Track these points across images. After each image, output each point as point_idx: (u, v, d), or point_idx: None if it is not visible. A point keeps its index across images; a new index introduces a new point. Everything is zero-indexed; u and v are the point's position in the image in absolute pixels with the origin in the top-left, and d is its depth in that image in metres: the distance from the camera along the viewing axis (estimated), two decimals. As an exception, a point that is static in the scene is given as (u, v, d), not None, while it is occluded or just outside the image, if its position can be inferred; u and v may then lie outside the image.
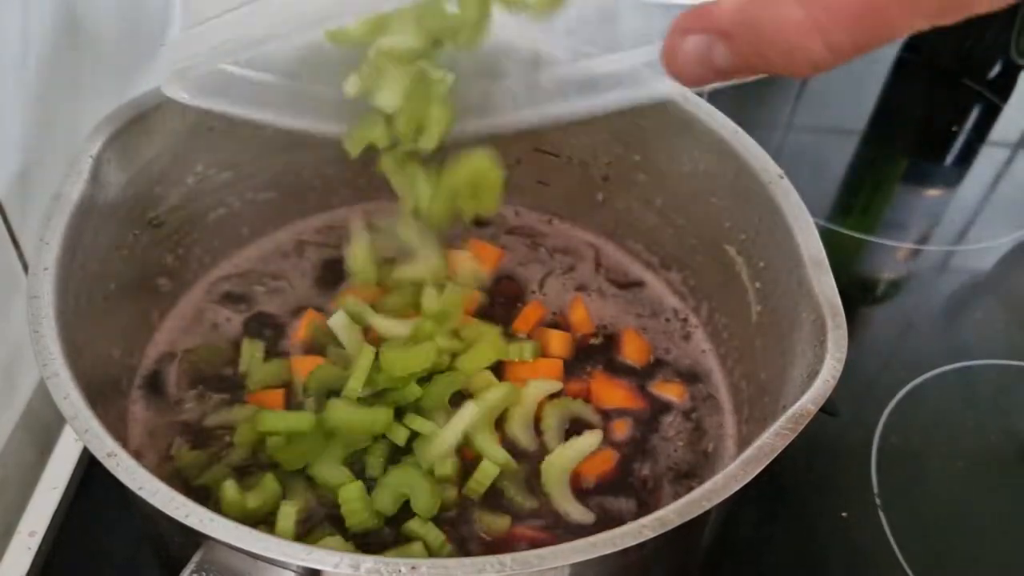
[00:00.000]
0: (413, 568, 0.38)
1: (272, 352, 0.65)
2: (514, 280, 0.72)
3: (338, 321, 0.63)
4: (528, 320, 0.68)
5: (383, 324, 0.63)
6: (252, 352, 0.64)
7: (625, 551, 0.40)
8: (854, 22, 0.26)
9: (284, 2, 0.43)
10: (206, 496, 0.56)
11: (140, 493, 0.41)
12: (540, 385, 0.63)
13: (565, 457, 0.58)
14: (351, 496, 0.54)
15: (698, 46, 0.29)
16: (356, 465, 0.58)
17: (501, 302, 0.70)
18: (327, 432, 0.58)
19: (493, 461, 0.57)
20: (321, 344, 0.65)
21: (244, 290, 0.69)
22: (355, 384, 0.58)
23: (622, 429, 0.62)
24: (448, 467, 0.57)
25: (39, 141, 0.62)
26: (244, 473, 0.57)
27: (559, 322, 0.69)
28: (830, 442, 0.69)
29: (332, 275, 0.71)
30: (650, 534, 0.40)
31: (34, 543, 0.58)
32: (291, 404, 0.61)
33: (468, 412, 0.58)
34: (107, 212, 0.57)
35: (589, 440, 0.59)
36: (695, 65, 0.30)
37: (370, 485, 0.57)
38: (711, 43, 0.29)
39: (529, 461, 0.60)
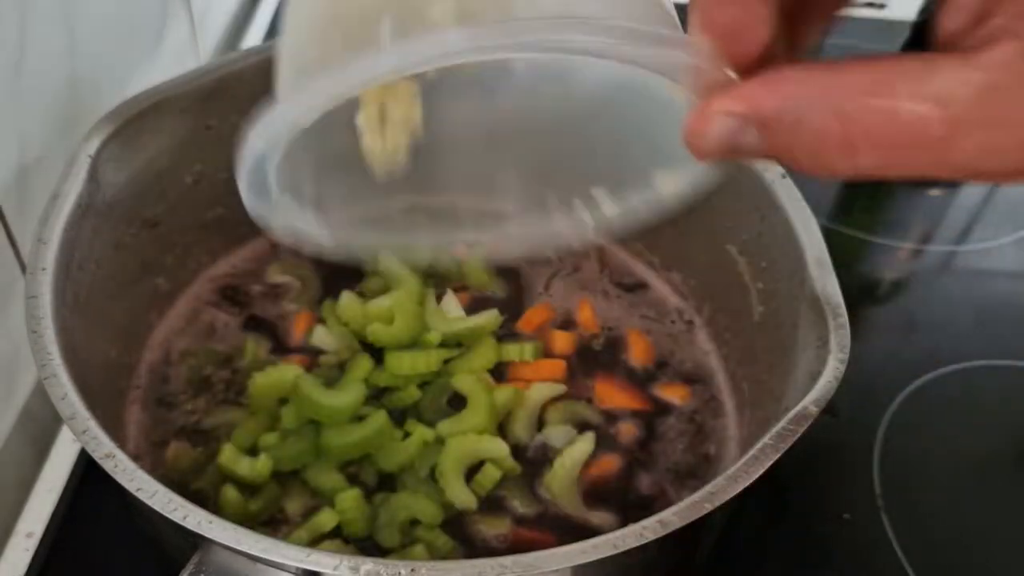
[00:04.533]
0: (412, 570, 0.38)
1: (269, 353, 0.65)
2: (520, 279, 0.72)
3: (319, 336, 0.65)
4: (532, 321, 0.68)
5: (370, 330, 0.63)
6: (255, 351, 0.64)
7: (626, 553, 0.39)
8: (885, 154, 0.27)
9: None
10: (204, 497, 0.56)
11: (138, 494, 0.41)
12: (543, 388, 0.62)
13: (566, 467, 0.58)
14: (348, 506, 0.54)
15: (730, 126, 0.29)
16: (352, 467, 0.58)
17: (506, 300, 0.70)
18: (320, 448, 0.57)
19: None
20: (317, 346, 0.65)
21: (242, 290, 0.69)
22: (353, 400, 0.58)
23: (625, 431, 0.62)
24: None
25: (37, 141, 0.62)
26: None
27: (564, 323, 0.69)
28: (832, 443, 0.68)
29: (331, 275, 0.71)
30: (651, 536, 0.40)
31: (31, 544, 0.58)
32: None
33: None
34: (105, 212, 0.57)
35: (583, 446, 0.59)
36: (719, 142, 0.30)
37: (368, 488, 0.57)
38: (744, 126, 0.29)
39: (532, 463, 0.59)
